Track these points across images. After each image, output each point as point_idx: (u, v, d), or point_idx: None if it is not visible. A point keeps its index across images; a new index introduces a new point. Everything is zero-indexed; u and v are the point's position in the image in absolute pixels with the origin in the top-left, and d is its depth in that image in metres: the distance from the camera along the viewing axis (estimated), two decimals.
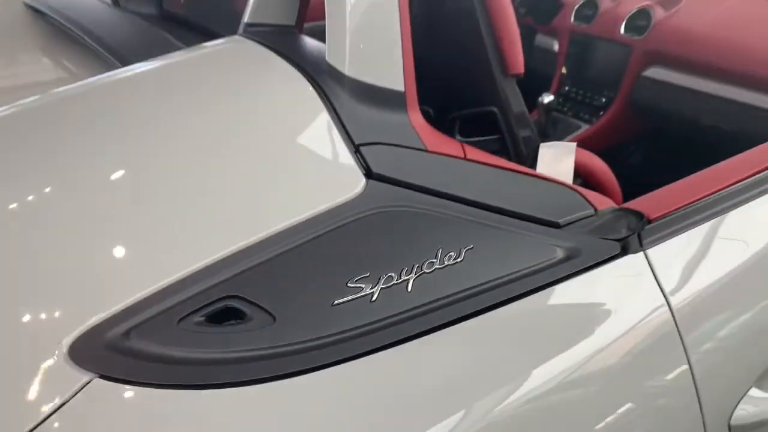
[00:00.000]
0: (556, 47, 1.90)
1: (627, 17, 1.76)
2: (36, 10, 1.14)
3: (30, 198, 0.65)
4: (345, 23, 0.73)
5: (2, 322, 0.55)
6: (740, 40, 1.56)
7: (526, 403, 0.62)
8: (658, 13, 1.72)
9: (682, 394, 0.72)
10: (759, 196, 0.84)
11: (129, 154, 0.68)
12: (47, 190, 0.66)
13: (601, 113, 1.79)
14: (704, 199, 0.81)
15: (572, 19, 1.87)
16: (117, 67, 1.06)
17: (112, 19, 1.13)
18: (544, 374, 0.64)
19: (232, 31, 0.93)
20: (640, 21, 1.73)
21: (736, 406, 0.76)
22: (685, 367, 0.72)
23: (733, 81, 1.53)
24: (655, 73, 1.70)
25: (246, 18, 0.88)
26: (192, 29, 1.15)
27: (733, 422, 0.75)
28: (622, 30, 1.76)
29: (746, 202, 0.83)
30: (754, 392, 0.78)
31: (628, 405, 0.70)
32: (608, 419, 0.68)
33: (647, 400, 0.71)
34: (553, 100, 1.59)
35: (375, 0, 0.75)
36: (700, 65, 1.60)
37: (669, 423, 0.73)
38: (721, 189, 0.83)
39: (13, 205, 0.64)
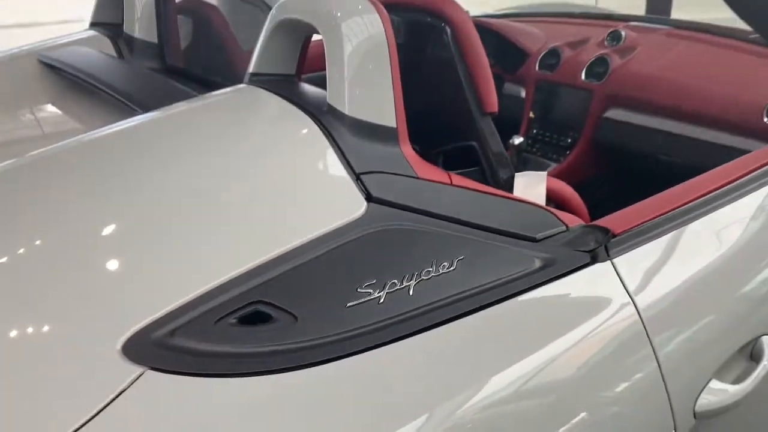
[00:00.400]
0: (523, 94, 2.05)
1: (587, 65, 1.92)
2: (49, 66, 1.24)
3: (97, 217, 0.74)
4: (344, 71, 0.85)
5: (68, 324, 0.63)
6: (687, 81, 1.72)
7: (516, 390, 0.72)
8: (615, 61, 1.88)
9: (652, 386, 0.82)
10: (709, 213, 0.96)
11: (171, 183, 0.78)
12: (107, 211, 0.75)
13: (568, 152, 1.93)
14: (662, 215, 0.93)
15: (537, 68, 2.03)
16: (125, 115, 1.16)
17: (120, 71, 1.23)
18: (528, 366, 0.74)
19: (230, 81, 1.04)
20: (598, 68, 1.89)
21: (699, 395, 0.86)
22: (654, 362, 0.82)
23: (683, 119, 1.68)
24: (615, 114, 1.85)
25: (251, 69, 0.99)
26: (192, 80, 1.25)
27: (697, 409, 0.85)
28: (582, 76, 1.92)
29: (699, 218, 0.95)
30: (714, 384, 0.88)
31: (604, 395, 0.79)
32: (586, 409, 0.78)
33: (621, 392, 0.80)
34: (523, 142, 1.72)
35: (368, 51, 0.87)
36: (654, 106, 1.76)
37: (641, 412, 0.82)
38: (677, 207, 0.95)
39: (84, 224, 0.73)
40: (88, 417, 0.57)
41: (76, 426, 0.56)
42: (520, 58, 2.05)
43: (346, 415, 0.64)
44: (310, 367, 0.64)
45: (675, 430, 0.83)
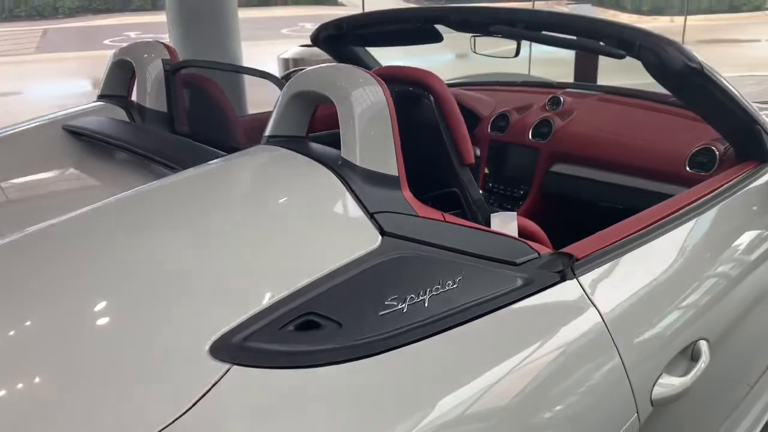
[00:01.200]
0: (478, 152, 2.29)
1: (532, 126, 2.18)
2: (72, 132, 1.39)
3: (185, 250, 0.90)
4: (355, 131, 1.04)
5: (166, 332, 0.78)
6: (619, 139, 2.00)
7: (510, 381, 0.89)
8: (557, 122, 2.15)
9: (618, 378, 1.01)
10: (650, 241, 1.18)
11: (236, 225, 0.95)
12: (197, 244, 0.91)
13: (521, 203, 2.16)
14: (613, 244, 1.14)
15: (489, 129, 2.28)
16: (145, 172, 1.32)
17: (138, 134, 1.39)
18: (516, 361, 0.92)
19: (228, 142, 1.21)
20: (543, 129, 2.15)
21: (654, 386, 1.05)
22: (618, 358, 1.02)
23: (618, 170, 1.95)
24: (560, 168, 2.10)
25: (268, 132, 1.17)
26: (199, 142, 1.42)
27: (653, 397, 1.04)
28: (529, 136, 2.18)
29: (642, 245, 1.17)
30: (664, 378, 1.07)
31: (580, 387, 0.98)
32: (566, 398, 0.95)
33: (594, 384, 0.99)
34: (480, 195, 1.94)
35: (374, 115, 1.06)
36: (592, 160, 2.02)
37: (612, 401, 1.01)
38: (624, 237, 1.16)
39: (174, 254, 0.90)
40: (190, 404, 0.71)
41: (181, 412, 0.71)
42: (473, 121, 2.30)
43: (381, 396, 0.80)
44: (353, 360, 0.80)
45: (637, 414, 1.01)
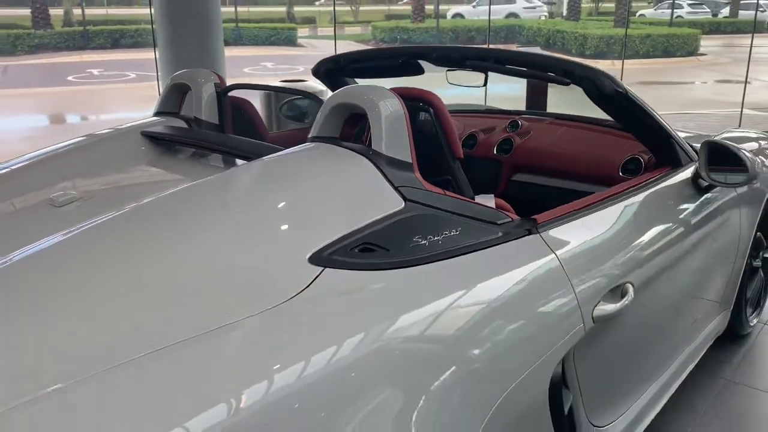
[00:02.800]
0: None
1: (497, 143, 2.65)
2: (148, 136, 1.78)
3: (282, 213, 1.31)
4: (382, 130, 1.46)
5: (279, 248, 1.18)
6: (567, 153, 2.48)
7: (490, 298, 1.31)
8: (517, 140, 2.63)
9: (571, 301, 1.44)
10: (592, 213, 1.64)
11: (307, 193, 1.36)
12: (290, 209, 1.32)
13: None
14: (565, 214, 1.59)
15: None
16: (208, 165, 1.71)
17: (205, 135, 1.79)
18: (499, 284, 1.34)
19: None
20: (505, 145, 2.63)
21: (594, 308, 1.49)
22: (570, 288, 1.45)
23: (566, 177, 2.42)
24: (520, 177, 2.57)
25: (312, 134, 1.58)
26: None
27: (594, 315, 1.48)
28: (494, 152, 2.64)
29: (587, 215, 1.62)
30: (601, 304, 1.51)
31: (544, 308, 1.40)
32: (534, 314, 1.38)
33: (554, 306, 1.41)
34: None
35: (395, 119, 1.49)
36: (546, 170, 2.49)
37: (563, 314, 1.43)
38: (573, 210, 1.62)
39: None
40: (305, 286, 1.11)
41: (298, 291, 1.10)
42: None
43: (411, 288, 1.21)
44: (395, 269, 1.21)
45: (583, 324, 1.45)
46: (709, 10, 26.17)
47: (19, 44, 17.91)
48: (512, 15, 24.54)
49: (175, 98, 1.98)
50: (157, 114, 2.00)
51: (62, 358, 0.93)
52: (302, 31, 22.02)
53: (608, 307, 1.52)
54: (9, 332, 0.99)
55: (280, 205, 1.32)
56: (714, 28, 23.16)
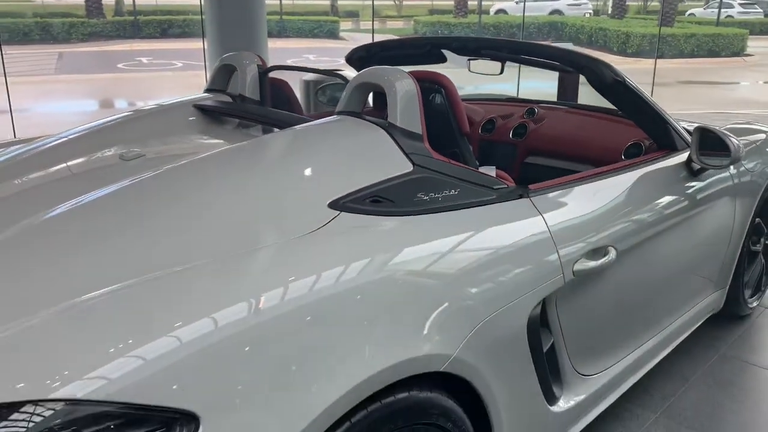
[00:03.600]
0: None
1: (513, 129, 2.88)
2: (200, 108, 2.07)
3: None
4: (397, 105, 1.72)
5: (304, 195, 1.45)
6: (576, 138, 2.69)
7: (485, 248, 1.56)
8: (531, 126, 2.85)
9: (552, 256, 1.68)
10: (586, 184, 1.87)
11: (330, 154, 1.63)
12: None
13: None
14: (557, 183, 1.82)
15: (480, 131, 2.98)
16: (253, 132, 1.99)
17: (250, 108, 2.07)
18: (486, 237, 1.58)
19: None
20: (520, 130, 2.85)
21: (574, 264, 1.72)
22: (553, 244, 1.68)
23: (574, 160, 2.63)
24: (532, 159, 2.79)
25: (338, 109, 1.85)
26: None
27: (574, 269, 1.71)
28: (510, 136, 2.87)
29: (580, 185, 1.85)
30: (581, 260, 1.74)
31: (531, 262, 1.64)
32: (518, 263, 1.62)
33: (539, 261, 1.65)
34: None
35: (409, 96, 1.73)
36: (556, 153, 2.71)
37: (546, 267, 1.66)
38: (563, 182, 1.85)
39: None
40: (326, 221, 1.38)
41: (319, 226, 1.37)
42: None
43: (412, 232, 1.46)
44: (398, 216, 1.47)
45: (563, 276, 1.68)
46: (761, 10, 25.65)
47: (74, 32, 18.62)
48: (556, 12, 24.45)
49: (222, 77, 2.27)
50: (207, 91, 2.29)
51: (142, 261, 1.22)
52: (345, 25, 22.34)
53: (588, 264, 1.75)
54: (100, 242, 1.29)
55: (307, 163, 1.59)
56: (766, 28, 22.73)
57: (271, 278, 1.23)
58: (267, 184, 1.50)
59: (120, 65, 14.80)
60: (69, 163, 1.70)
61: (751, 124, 3.21)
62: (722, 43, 17.61)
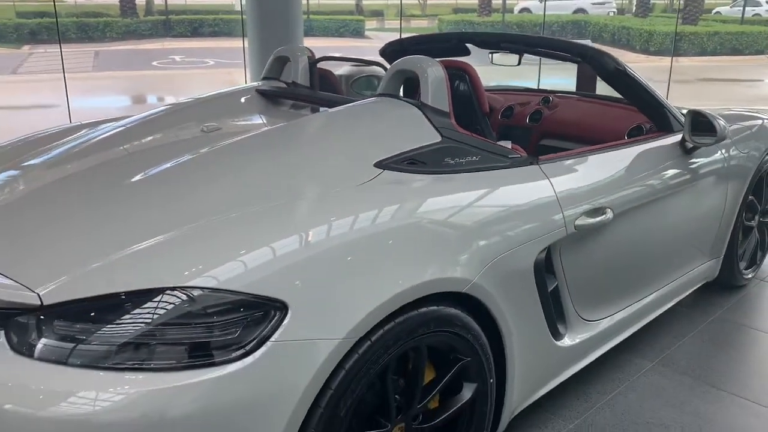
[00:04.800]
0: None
1: (529, 115, 3.22)
2: (260, 92, 2.45)
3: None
4: (429, 87, 2.07)
5: (354, 156, 1.82)
6: (586, 122, 3.03)
7: (500, 204, 1.91)
8: (545, 112, 3.19)
9: (557, 213, 2.02)
10: (590, 155, 2.21)
11: (371, 127, 2.00)
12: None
13: None
14: (565, 155, 2.17)
15: (500, 117, 3.32)
16: (301, 112, 2.36)
17: (302, 92, 2.44)
18: (500, 194, 1.94)
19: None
20: (535, 116, 3.20)
21: (575, 220, 2.06)
22: (557, 203, 2.03)
23: (583, 142, 2.97)
24: (546, 141, 3.13)
25: (378, 91, 2.21)
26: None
27: (576, 224, 2.05)
28: (527, 121, 3.21)
29: (585, 156, 2.20)
30: (581, 217, 2.08)
31: (540, 218, 1.98)
32: (530, 218, 1.97)
33: (545, 213, 2.00)
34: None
35: (438, 81, 2.08)
36: (568, 136, 3.05)
37: (551, 221, 2.01)
38: (572, 153, 2.19)
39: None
40: (366, 181, 1.74)
41: (362, 182, 1.73)
42: (489, 111, 3.34)
43: (444, 188, 1.81)
44: (430, 174, 1.83)
45: (565, 228, 2.02)
46: None
47: (108, 31, 19.24)
48: (580, 10, 24.57)
49: (277, 67, 2.64)
50: (263, 79, 2.67)
51: (245, 199, 1.63)
52: (370, 24, 22.72)
53: (588, 221, 2.10)
54: (196, 188, 1.67)
55: (355, 133, 1.96)
56: None
57: (339, 212, 1.60)
58: (327, 148, 1.87)
59: (154, 63, 15.34)
60: (167, 133, 2.09)
61: (750, 111, 3.51)
62: (746, 41, 17.66)
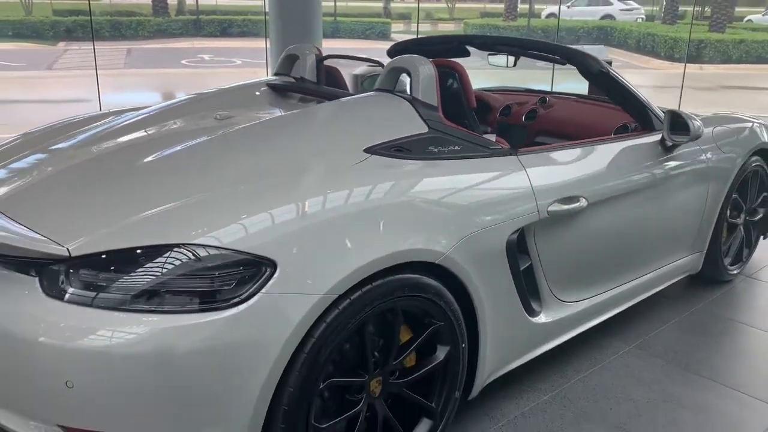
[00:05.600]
0: (490, 130, 3.53)
1: (525, 113, 3.43)
2: (271, 86, 2.70)
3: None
4: (419, 84, 2.29)
5: (343, 144, 2.05)
6: (577, 120, 3.23)
7: (477, 187, 2.13)
8: (541, 111, 3.40)
9: (532, 200, 2.23)
10: (569, 149, 2.42)
11: (365, 117, 2.23)
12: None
13: None
14: (544, 148, 2.38)
15: (498, 115, 3.53)
16: (304, 105, 2.60)
17: (307, 86, 2.68)
18: (478, 177, 2.15)
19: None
20: (531, 114, 3.40)
21: (549, 207, 2.27)
22: (531, 191, 2.24)
23: (574, 139, 3.16)
24: (540, 138, 3.33)
25: (375, 87, 2.43)
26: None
27: (548, 210, 2.26)
28: (523, 119, 3.42)
29: (563, 150, 2.41)
30: (553, 204, 2.29)
31: (514, 202, 2.20)
32: (504, 205, 2.18)
33: (519, 198, 2.20)
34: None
35: (428, 78, 2.30)
36: (560, 134, 3.25)
37: (525, 206, 2.21)
38: (551, 146, 2.40)
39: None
40: (355, 163, 1.97)
41: (352, 164, 1.96)
42: (488, 109, 3.56)
43: (428, 171, 2.04)
44: (415, 160, 2.05)
45: (538, 213, 2.23)
46: None
47: (140, 30, 19.75)
48: (608, 16, 24.56)
49: (288, 64, 2.89)
50: (275, 74, 2.91)
51: (251, 175, 1.86)
52: (396, 26, 22.98)
53: (561, 207, 2.30)
54: (214, 163, 1.92)
55: (350, 122, 2.19)
56: None
57: (329, 189, 1.83)
58: (324, 135, 2.11)
59: (183, 61, 15.75)
60: (184, 119, 2.35)
61: (740, 115, 3.67)
62: None
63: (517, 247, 2.22)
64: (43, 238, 1.62)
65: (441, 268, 1.92)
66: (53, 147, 2.26)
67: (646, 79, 14.99)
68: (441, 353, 1.99)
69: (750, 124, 3.48)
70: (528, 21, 22.16)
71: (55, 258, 1.57)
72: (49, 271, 1.58)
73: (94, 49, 7.25)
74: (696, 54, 16.91)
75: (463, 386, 2.09)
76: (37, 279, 1.58)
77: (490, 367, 2.20)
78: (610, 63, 7.44)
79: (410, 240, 1.84)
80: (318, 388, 1.68)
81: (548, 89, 3.88)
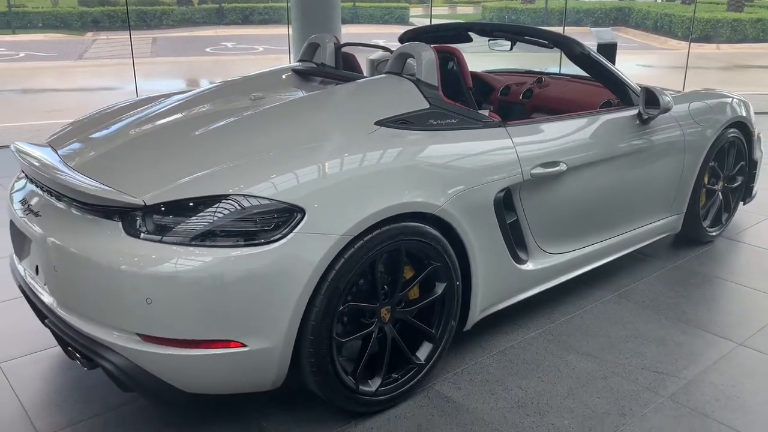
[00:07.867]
0: (491, 108, 3.93)
1: (523, 92, 3.82)
2: (296, 71, 3.13)
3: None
4: (422, 67, 2.71)
5: (358, 118, 2.48)
6: (568, 98, 3.61)
7: (464, 153, 2.55)
8: (536, 90, 3.79)
9: (516, 165, 2.64)
10: (552, 122, 2.82)
11: (372, 93, 2.66)
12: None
13: None
14: (531, 120, 2.79)
15: (498, 95, 3.93)
16: (324, 86, 3.04)
17: (328, 70, 3.11)
18: (470, 145, 2.57)
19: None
20: (528, 93, 3.80)
21: (531, 170, 2.68)
22: (516, 158, 2.65)
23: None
24: (536, 115, 3.73)
25: (385, 70, 2.85)
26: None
27: (531, 172, 2.67)
28: (520, 97, 3.82)
29: (548, 123, 2.81)
30: (536, 168, 2.70)
31: (501, 164, 2.61)
32: (489, 169, 2.59)
33: (505, 163, 2.62)
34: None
35: (429, 62, 2.71)
36: (553, 110, 3.64)
37: (510, 170, 2.62)
38: (539, 119, 2.81)
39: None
40: (367, 133, 2.39)
41: (365, 134, 2.39)
42: (490, 90, 3.96)
43: (429, 140, 2.45)
44: (419, 131, 2.47)
45: (522, 175, 2.64)
46: None
47: (165, 19, 20.28)
48: None
49: (311, 51, 3.32)
50: (299, 60, 3.35)
51: (284, 142, 2.28)
52: (415, 11, 23.24)
53: (542, 171, 2.71)
54: (242, 136, 2.36)
55: (363, 99, 2.61)
56: None
57: (347, 152, 2.25)
58: (342, 110, 2.55)
59: (208, 49, 16.25)
60: (223, 100, 2.80)
61: (722, 91, 4.03)
62: None
63: (505, 205, 2.63)
64: (124, 192, 2.07)
65: (437, 218, 2.34)
66: (118, 125, 2.72)
67: (660, 59, 15.16)
68: (439, 288, 2.42)
69: (729, 100, 3.84)
70: (545, 3, 22.29)
71: (133, 206, 2.02)
72: (128, 217, 2.03)
73: (130, 38, 7.74)
74: (712, 33, 17.01)
75: (458, 317, 2.52)
76: (119, 223, 2.04)
77: (482, 304, 2.62)
78: (615, 45, 7.81)
79: (413, 194, 2.27)
80: (339, 309, 2.13)
81: (548, 72, 4.27)
